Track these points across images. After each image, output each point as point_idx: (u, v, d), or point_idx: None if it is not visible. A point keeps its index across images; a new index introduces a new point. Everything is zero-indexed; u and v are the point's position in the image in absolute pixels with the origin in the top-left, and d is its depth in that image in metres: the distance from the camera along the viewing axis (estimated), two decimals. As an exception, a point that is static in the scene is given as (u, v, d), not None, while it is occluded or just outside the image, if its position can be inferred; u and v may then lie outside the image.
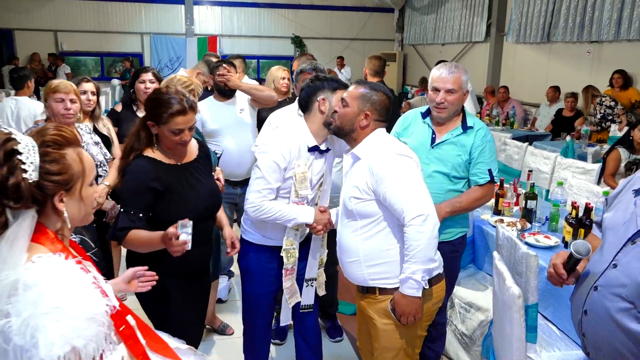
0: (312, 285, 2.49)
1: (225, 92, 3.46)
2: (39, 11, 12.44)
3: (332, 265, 3.21)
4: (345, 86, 2.43)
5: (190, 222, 1.86)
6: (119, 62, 12.35)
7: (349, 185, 2.06)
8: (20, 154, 1.08)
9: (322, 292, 2.57)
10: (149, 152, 2.08)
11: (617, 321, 1.45)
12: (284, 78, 4.00)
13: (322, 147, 2.31)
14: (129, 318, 1.28)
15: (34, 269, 1.06)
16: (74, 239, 1.33)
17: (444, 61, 4.30)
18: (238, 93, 3.55)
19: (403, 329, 2.02)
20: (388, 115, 2.11)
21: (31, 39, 12.51)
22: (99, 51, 13.11)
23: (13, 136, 1.10)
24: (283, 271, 2.36)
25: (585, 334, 1.59)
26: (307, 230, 2.40)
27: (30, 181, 1.08)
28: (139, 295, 2.05)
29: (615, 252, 1.49)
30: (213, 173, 2.48)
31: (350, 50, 13.48)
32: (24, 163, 1.08)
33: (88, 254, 1.37)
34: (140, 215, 2.01)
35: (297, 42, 13.83)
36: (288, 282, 2.40)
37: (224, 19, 13.54)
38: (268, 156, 2.22)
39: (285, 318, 2.51)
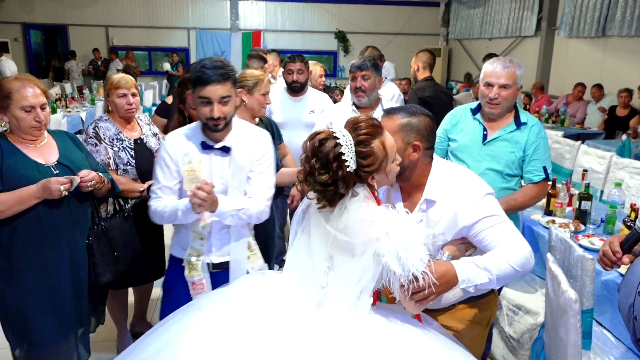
0: None
1: (294, 88, 3.49)
2: (92, 7, 12.91)
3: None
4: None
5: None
6: (164, 56, 12.73)
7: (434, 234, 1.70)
8: (343, 154, 1.45)
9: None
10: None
11: None
12: (321, 76, 4.11)
13: (217, 146, 2.05)
14: None
15: (382, 215, 1.48)
16: None
17: (493, 54, 4.21)
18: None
19: (484, 331, 1.90)
20: (435, 139, 1.83)
21: (84, 34, 13.01)
22: (148, 46, 13.50)
23: (339, 141, 1.45)
24: (189, 284, 2.07)
25: (637, 317, 1.55)
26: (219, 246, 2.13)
27: (350, 171, 1.45)
28: None
29: None
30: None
31: (394, 45, 13.31)
32: (346, 161, 1.45)
33: None
34: None
35: (341, 37, 13.78)
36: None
37: (268, 13, 13.67)
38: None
39: None
